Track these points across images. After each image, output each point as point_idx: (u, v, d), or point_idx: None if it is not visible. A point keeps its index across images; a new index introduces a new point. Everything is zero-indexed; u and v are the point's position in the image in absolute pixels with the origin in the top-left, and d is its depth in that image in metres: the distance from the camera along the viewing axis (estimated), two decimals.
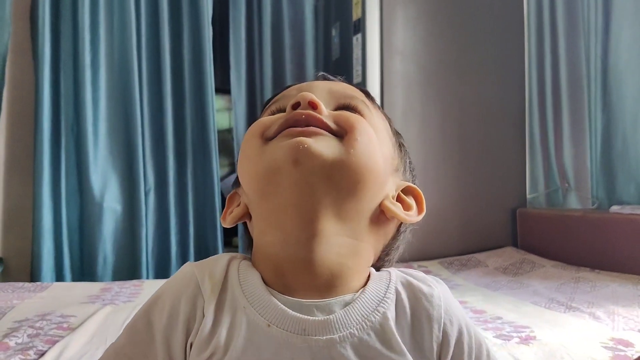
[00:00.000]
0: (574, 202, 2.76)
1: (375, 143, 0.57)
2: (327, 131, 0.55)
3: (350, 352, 0.50)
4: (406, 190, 0.65)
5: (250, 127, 0.59)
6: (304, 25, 3.11)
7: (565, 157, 2.76)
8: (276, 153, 0.53)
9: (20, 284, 2.25)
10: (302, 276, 0.54)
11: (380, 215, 0.59)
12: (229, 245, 3.03)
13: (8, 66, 2.57)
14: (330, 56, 3.05)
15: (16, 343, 1.42)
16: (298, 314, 0.52)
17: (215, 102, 2.83)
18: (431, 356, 0.54)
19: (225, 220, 0.64)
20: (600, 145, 2.58)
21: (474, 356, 0.56)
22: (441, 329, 0.54)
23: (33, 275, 2.53)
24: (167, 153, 2.74)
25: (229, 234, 2.95)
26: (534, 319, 1.61)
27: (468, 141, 2.87)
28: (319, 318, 0.52)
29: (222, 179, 3.11)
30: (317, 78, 0.67)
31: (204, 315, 0.53)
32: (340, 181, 0.53)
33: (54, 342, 1.42)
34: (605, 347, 1.33)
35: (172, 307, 0.54)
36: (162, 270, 2.71)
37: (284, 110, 0.59)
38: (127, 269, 2.62)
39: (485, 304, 1.84)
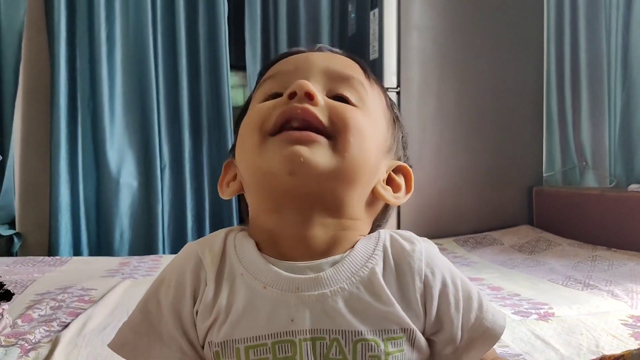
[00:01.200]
0: (591, 181, 2.74)
1: (368, 139, 0.59)
2: (321, 130, 0.56)
3: (341, 305, 0.54)
4: (396, 169, 0.66)
5: (248, 115, 0.61)
6: (319, 0, 3.08)
7: (583, 134, 2.73)
8: (273, 160, 0.55)
9: (40, 258, 2.28)
10: (298, 249, 0.58)
11: (372, 197, 0.63)
12: (244, 222, 3.03)
13: (24, 42, 2.58)
14: (347, 32, 3.02)
15: (39, 315, 1.44)
16: (291, 274, 0.56)
17: (230, 79, 2.82)
18: (417, 307, 0.57)
19: (222, 191, 0.66)
20: (619, 122, 2.55)
21: (461, 308, 0.59)
22: (422, 280, 0.57)
23: (51, 250, 2.56)
24: (182, 129, 2.74)
25: (244, 211, 2.96)
26: (552, 296, 1.61)
27: (485, 118, 2.84)
28: (311, 276, 0.56)
29: None
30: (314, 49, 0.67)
31: (206, 284, 0.57)
32: (334, 185, 0.57)
33: (77, 314, 1.44)
34: (625, 325, 1.33)
35: (177, 281, 0.58)
36: (178, 246, 2.72)
37: (280, 94, 0.59)
38: (144, 244, 2.65)
39: (502, 281, 1.84)
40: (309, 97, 0.57)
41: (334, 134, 0.56)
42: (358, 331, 0.54)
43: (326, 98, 0.59)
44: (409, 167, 0.66)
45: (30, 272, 1.95)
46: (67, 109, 2.59)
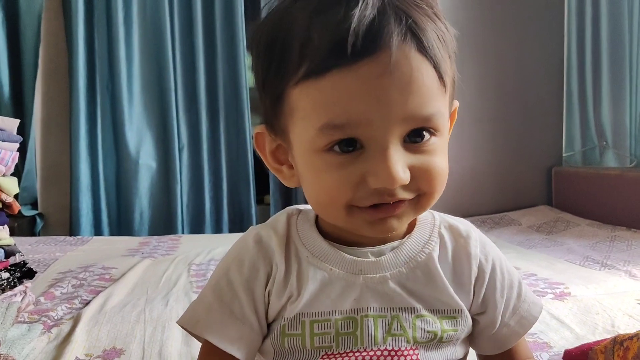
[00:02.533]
0: (611, 161, 2.71)
1: (446, 168, 0.56)
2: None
3: (400, 287, 0.58)
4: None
5: (327, 185, 0.53)
6: None
7: (604, 114, 2.69)
8: (362, 227, 0.55)
9: (62, 237, 2.33)
10: (362, 239, 0.60)
11: None
12: (262, 202, 3.06)
13: (43, 24, 2.60)
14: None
15: (61, 293, 1.48)
16: (355, 258, 0.59)
17: (247, 59, 2.82)
18: (469, 289, 0.61)
19: (267, 161, 0.62)
20: None
21: (505, 294, 0.63)
22: (477, 265, 0.61)
23: (72, 230, 2.61)
24: (199, 110, 2.76)
25: (262, 192, 2.98)
26: (569, 276, 1.61)
27: (504, 98, 2.82)
28: (373, 260, 0.59)
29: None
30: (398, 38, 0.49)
31: (277, 266, 0.60)
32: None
33: (98, 292, 1.47)
34: None
35: (250, 261, 0.60)
36: (196, 225, 2.76)
37: (348, 141, 0.51)
38: (163, 224, 2.68)
39: (519, 261, 1.83)
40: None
41: (418, 193, 0.54)
42: (416, 308, 0.58)
43: (407, 161, 0.52)
44: (456, 104, 0.61)
45: (53, 252, 1.99)
46: (86, 91, 2.61)
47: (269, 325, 0.61)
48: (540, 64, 2.84)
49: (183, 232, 2.68)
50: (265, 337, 0.61)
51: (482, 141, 2.80)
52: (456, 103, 0.60)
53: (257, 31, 0.56)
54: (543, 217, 2.60)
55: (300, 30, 0.51)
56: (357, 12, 0.48)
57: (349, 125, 0.50)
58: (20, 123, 1.54)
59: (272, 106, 0.56)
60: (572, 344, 1.09)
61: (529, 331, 0.97)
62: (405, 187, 0.52)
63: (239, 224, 2.80)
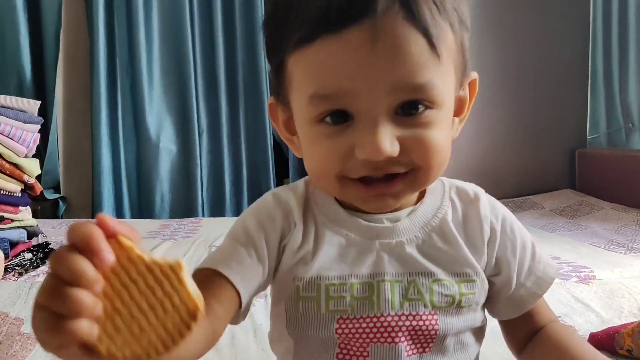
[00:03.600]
0: (637, 143, 2.65)
1: (446, 142, 0.54)
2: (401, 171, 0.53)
3: (416, 251, 0.59)
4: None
5: (318, 155, 0.54)
6: None
7: (630, 94, 2.63)
8: (357, 201, 0.57)
9: (85, 220, 2.35)
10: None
11: None
12: (281, 185, 3.06)
13: (63, 9, 2.61)
14: None
15: None
16: (371, 223, 0.59)
17: None
18: (482, 250, 0.61)
19: (281, 132, 0.62)
20: None
21: (517, 254, 0.62)
22: (489, 225, 0.61)
23: (94, 213, 2.63)
24: (219, 94, 2.75)
25: (281, 175, 2.98)
26: (593, 260, 1.58)
27: (526, 78, 2.76)
28: (389, 225, 0.59)
29: None
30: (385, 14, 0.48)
31: (295, 224, 0.60)
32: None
33: None
34: None
35: (267, 214, 0.60)
36: (217, 209, 2.77)
37: (338, 112, 0.51)
38: (184, 207, 2.70)
39: (542, 245, 1.80)
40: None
41: (414, 167, 0.53)
42: (433, 272, 0.58)
43: (398, 132, 0.50)
44: (474, 75, 0.59)
45: None
46: (107, 74, 2.62)
47: (281, 289, 0.60)
48: (564, 42, 2.78)
49: (203, 216, 2.69)
50: (276, 303, 0.61)
51: (504, 123, 2.75)
52: (474, 74, 0.59)
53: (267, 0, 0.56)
54: (566, 200, 2.56)
55: None
56: None
57: (336, 96, 0.50)
58: (42, 107, 1.55)
59: (275, 76, 0.57)
60: (598, 327, 1.07)
61: (555, 314, 0.95)
62: (397, 160, 0.51)
63: None
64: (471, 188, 0.65)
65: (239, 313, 0.58)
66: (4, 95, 1.54)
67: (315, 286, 0.58)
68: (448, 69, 0.52)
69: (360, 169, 0.52)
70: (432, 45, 0.48)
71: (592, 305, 1.21)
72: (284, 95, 0.57)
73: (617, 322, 1.10)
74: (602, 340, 0.99)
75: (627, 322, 1.04)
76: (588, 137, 2.85)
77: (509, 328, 0.67)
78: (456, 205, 0.62)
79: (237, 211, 2.80)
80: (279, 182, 2.99)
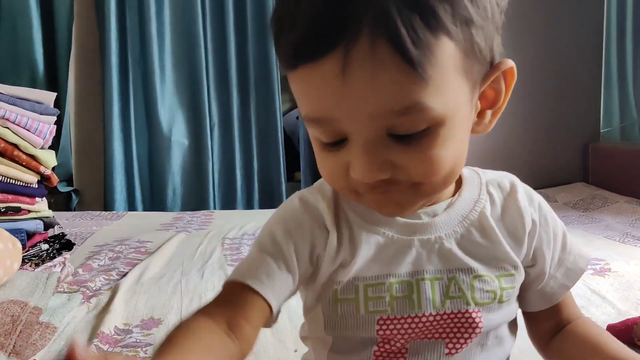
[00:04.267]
0: None
1: (453, 156, 0.50)
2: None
3: (456, 247, 0.57)
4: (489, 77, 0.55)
5: (324, 170, 0.54)
6: None
7: None
8: (373, 208, 0.54)
9: (97, 212, 2.37)
10: None
11: None
12: (292, 180, 3.06)
13: (75, 3, 2.61)
14: None
15: (99, 265, 1.50)
16: (407, 220, 0.58)
17: None
18: (523, 242, 0.60)
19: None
20: None
21: (552, 246, 0.61)
22: (530, 218, 0.60)
23: (107, 206, 2.65)
24: (230, 88, 2.75)
25: (292, 169, 2.98)
26: (609, 252, 1.57)
27: (539, 71, 2.74)
28: (426, 220, 0.58)
29: (284, 114, 3.12)
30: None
31: (328, 231, 0.58)
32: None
33: (134, 264, 1.49)
34: None
35: (296, 221, 0.58)
36: (228, 202, 2.78)
37: (334, 143, 0.51)
38: (195, 201, 2.71)
39: None
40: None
41: (413, 182, 0.51)
42: (473, 268, 0.57)
43: (394, 153, 0.48)
44: (509, 64, 0.55)
45: (89, 226, 2.02)
46: (119, 67, 2.63)
47: (319, 293, 0.59)
48: (577, 34, 2.76)
49: (215, 209, 2.70)
50: (312, 306, 0.60)
51: (517, 116, 2.74)
52: (507, 64, 0.55)
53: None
54: (579, 194, 2.54)
55: (286, 18, 0.47)
56: (317, 5, 0.44)
57: (324, 120, 0.49)
58: (55, 100, 1.56)
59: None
60: (615, 319, 1.07)
61: None
62: (395, 179, 0.49)
63: (269, 201, 2.81)
64: (507, 178, 0.63)
65: (270, 320, 0.57)
66: (21, 87, 1.55)
67: (353, 288, 0.57)
68: (447, 82, 0.47)
69: (360, 185, 0.51)
70: (414, 67, 0.44)
71: (608, 297, 1.20)
72: None
73: (634, 314, 1.10)
74: (620, 331, 0.99)
75: None
76: (601, 131, 2.83)
77: (534, 320, 0.66)
78: (494, 198, 0.61)
79: (249, 205, 2.80)
80: (290, 176, 2.99)
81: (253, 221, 2.03)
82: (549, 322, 0.64)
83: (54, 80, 2.63)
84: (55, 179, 1.46)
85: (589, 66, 2.79)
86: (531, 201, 0.61)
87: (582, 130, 2.83)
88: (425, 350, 0.57)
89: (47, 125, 1.46)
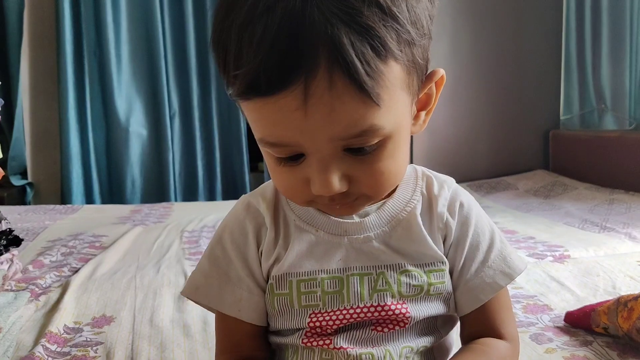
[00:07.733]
0: (610, 123, 2.67)
1: (399, 164, 0.54)
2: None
3: (384, 245, 0.60)
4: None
5: (280, 184, 0.56)
6: None
7: (603, 76, 2.64)
8: (325, 210, 0.59)
9: (52, 206, 2.29)
10: None
11: None
12: (255, 170, 3.02)
13: None
14: None
15: (50, 261, 1.45)
16: (340, 219, 0.61)
17: None
18: (440, 245, 0.62)
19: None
20: None
21: (464, 255, 0.62)
22: (444, 222, 0.62)
23: (64, 199, 2.57)
24: (190, 76, 2.69)
25: (255, 159, 2.94)
26: (568, 239, 1.59)
27: (500, 59, 2.76)
28: (357, 220, 0.61)
29: None
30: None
31: (267, 229, 0.62)
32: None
33: (88, 260, 1.44)
34: None
35: (240, 227, 0.63)
36: (189, 193, 2.73)
37: (291, 158, 0.52)
38: (156, 192, 2.65)
39: (517, 225, 1.81)
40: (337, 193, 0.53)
41: (363, 194, 0.55)
42: (401, 264, 0.60)
43: (348, 168, 0.51)
44: (440, 74, 0.57)
45: (42, 220, 1.95)
46: (74, 56, 2.54)
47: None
48: (537, 23, 2.78)
49: (176, 200, 2.65)
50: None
51: (478, 104, 2.75)
52: (439, 73, 0.57)
53: (212, 23, 0.53)
54: (540, 181, 2.57)
55: (232, 44, 0.48)
56: (273, 40, 0.44)
57: (281, 144, 0.51)
58: (6, 90, 1.49)
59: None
60: (573, 306, 1.07)
61: (530, 293, 0.94)
62: (348, 192, 0.53)
63: (232, 192, 2.77)
64: (440, 181, 0.65)
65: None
66: None
67: (287, 283, 0.61)
68: (394, 100, 0.50)
69: (319, 198, 0.53)
70: (370, 97, 0.46)
71: (567, 284, 1.21)
72: None
73: (592, 300, 1.10)
74: (579, 318, 0.99)
75: (602, 300, 1.03)
76: (561, 118, 2.86)
77: (461, 325, 0.65)
78: (425, 198, 0.63)
79: (211, 195, 2.76)
80: (253, 166, 2.95)
81: (213, 213, 1.99)
82: (466, 330, 0.64)
83: (4, 69, 2.53)
84: (0, 171, 1.40)
85: (549, 55, 2.82)
86: (452, 206, 0.63)
87: (543, 118, 2.86)
88: (352, 329, 0.60)
89: None
